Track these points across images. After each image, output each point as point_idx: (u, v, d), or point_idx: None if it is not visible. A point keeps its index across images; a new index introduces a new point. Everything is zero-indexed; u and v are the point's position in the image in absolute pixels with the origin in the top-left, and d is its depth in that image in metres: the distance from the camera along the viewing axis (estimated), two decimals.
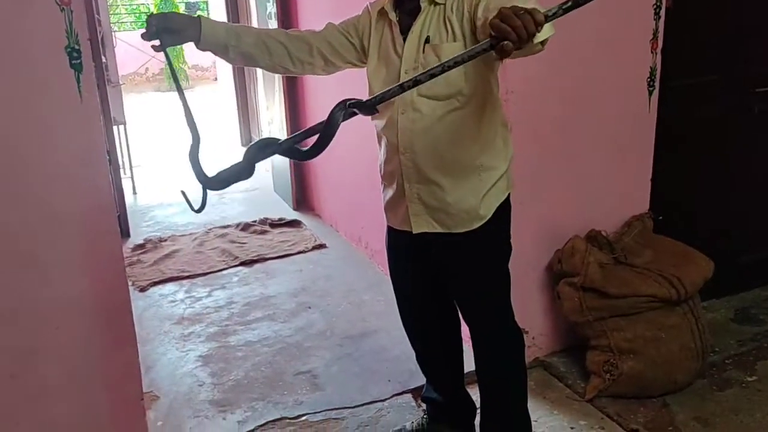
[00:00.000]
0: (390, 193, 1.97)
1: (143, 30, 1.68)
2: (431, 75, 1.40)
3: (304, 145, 1.67)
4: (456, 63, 1.37)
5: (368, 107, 1.56)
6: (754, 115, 3.04)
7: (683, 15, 2.71)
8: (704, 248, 2.68)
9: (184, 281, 3.82)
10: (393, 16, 1.84)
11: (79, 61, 1.85)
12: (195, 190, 1.65)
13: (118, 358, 2.10)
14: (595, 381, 2.55)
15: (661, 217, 2.86)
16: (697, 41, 2.84)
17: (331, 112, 1.56)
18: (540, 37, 1.35)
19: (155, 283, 3.78)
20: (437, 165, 1.83)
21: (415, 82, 1.43)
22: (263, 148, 1.61)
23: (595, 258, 2.52)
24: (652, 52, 2.68)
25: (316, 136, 1.59)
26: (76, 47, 1.84)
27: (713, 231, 3.06)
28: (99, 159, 1.96)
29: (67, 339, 1.99)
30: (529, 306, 2.71)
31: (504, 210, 1.95)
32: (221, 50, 1.84)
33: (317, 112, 4.50)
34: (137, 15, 15.61)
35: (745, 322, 3.04)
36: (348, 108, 1.56)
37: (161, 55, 1.81)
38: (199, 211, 1.60)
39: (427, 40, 1.77)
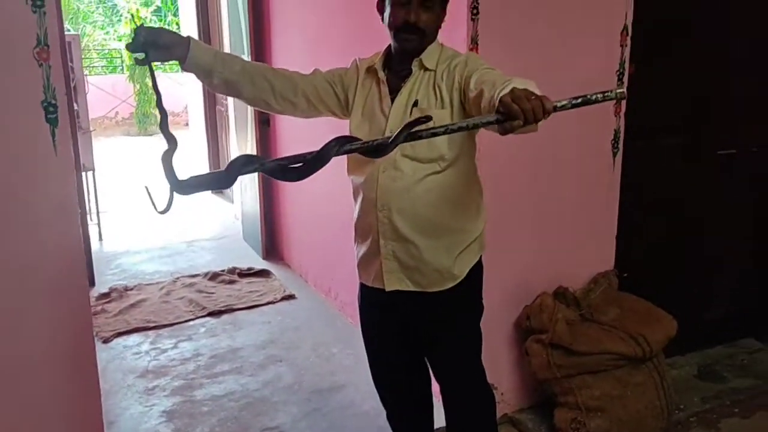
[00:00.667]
0: (363, 249, 1.99)
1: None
2: (433, 134, 1.44)
3: None
4: (460, 128, 1.43)
5: (375, 150, 1.50)
6: (715, 176, 3.16)
7: (645, 81, 2.82)
8: (668, 305, 2.74)
9: (150, 332, 3.75)
10: (382, 75, 1.89)
11: (55, 115, 1.86)
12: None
13: (82, 411, 2.06)
14: None
15: (626, 275, 2.93)
16: (659, 105, 2.95)
17: (325, 145, 1.52)
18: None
19: (120, 334, 3.70)
20: (414, 224, 1.86)
21: (419, 136, 1.44)
22: (247, 164, 1.54)
23: (562, 315, 2.56)
24: (615, 116, 2.78)
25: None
26: (53, 102, 1.85)
27: (676, 289, 3.14)
28: (71, 212, 1.95)
29: (32, 391, 1.95)
30: (497, 362, 2.73)
31: (477, 271, 1.99)
32: (205, 74, 1.80)
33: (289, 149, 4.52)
34: (108, 59, 15.64)
35: (708, 379, 3.09)
36: (344, 147, 1.51)
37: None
38: (163, 212, 1.51)
39: (415, 104, 1.83)
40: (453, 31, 2.38)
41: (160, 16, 17.69)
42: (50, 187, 1.89)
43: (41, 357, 1.95)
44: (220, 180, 1.53)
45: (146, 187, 1.55)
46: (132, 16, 13.93)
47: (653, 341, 2.54)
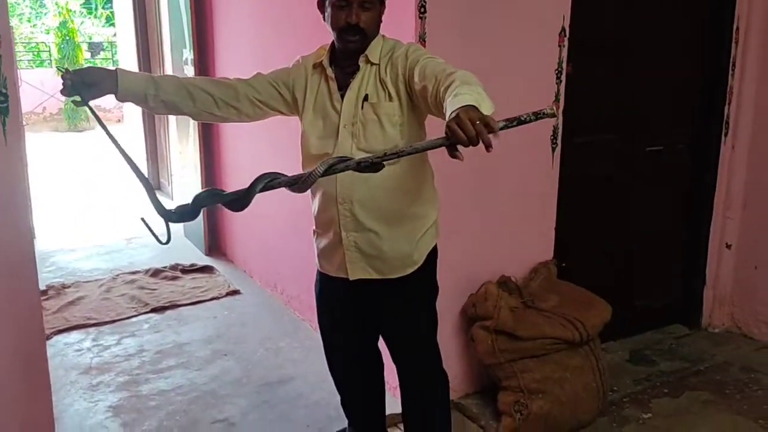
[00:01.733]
0: (325, 241, 2.04)
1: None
2: (385, 158, 1.51)
3: None
4: (415, 150, 1.50)
5: (302, 185, 1.62)
6: (645, 171, 3.34)
7: (582, 80, 2.97)
8: (601, 293, 2.90)
9: (91, 329, 3.68)
10: (330, 72, 1.94)
11: (5, 104, 1.82)
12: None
13: (33, 406, 2.03)
14: (506, 421, 2.67)
15: (564, 264, 3.07)
16: (595, 103, 3.11)
17: (253, 182, 1.66)
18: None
19: (59, 332, 3.62)
20: (374, 214, 1.93)
21: (373, 164, 1.51)
22: (211, 197, 1.71)
23: (506, 302, 2.66)
24: None
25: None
26: (3, 90, 1.82)
27: (609, 278, 3.31)
28: (22, 204, 1.92)
29: None
30: (444, 349, 2.78)
31: (433, 254, 2.09)
32: (141, 100, 1.86)
33: (233, 156, 4.52)
34: (35, 53, 15.09)
35: (639, 363, 3.27)
36: (271, 183, 1.66)
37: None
38: (166, 243, 1.65)
39: (366, 98, 1.89)
40: (401, 29, 2.46)
41: (90, 8, 17.18)
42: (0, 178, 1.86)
43: None
44: (186, 215, 1.67)
45: (143, 219, 1.67)
46: (60, 9, 13.49)
47: (590, 326, 2.68)
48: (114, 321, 3.78)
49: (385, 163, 1.53)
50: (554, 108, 1.43)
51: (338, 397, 2.40)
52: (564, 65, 2.87)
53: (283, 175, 1.66)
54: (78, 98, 1.74)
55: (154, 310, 3.91)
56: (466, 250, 2.79)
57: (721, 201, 3.52)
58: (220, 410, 2.87)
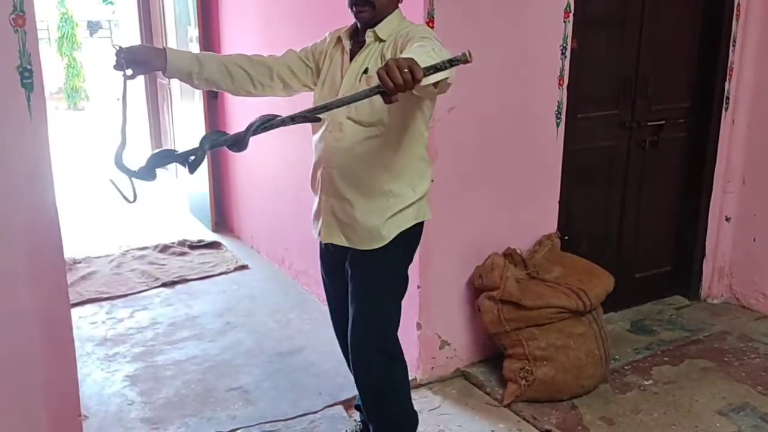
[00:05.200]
0: (314, 205, 2.15)
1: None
2: (316, 111, 1.58)
3: None
4: (342, 103, 1.55)
5: (240, 143, 1.68)
6: (644, 146, 3.41)
7: (586, 56, 3.03)
8: (603, 265, 2.98)
9: (104, 303, 3.77)
10: (347, 44, 2.02)
11: (30, 80, 1.89)
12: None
13: (57, 372, 2.11)
14: (511, 387, 2.76)
15: (567, 237, 3.15)
16: (598, 79, 3.17)
17: (200, 141, 1.68)
18: (428, 81, 1.51)
19: (73, 305, 3.67)
20: (351, 183, 2.00)
21: (306, 118, 1.57)
22: (165, 157, 1.73)
23: (512, 273, 2.74)
24: (559, 88, 2.97)
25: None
26: (28, 67, 1.88)
27: (611, 250, 3.40)
28: (46, 175, 1.99)
29: (9, 352, 1.99)
30: (451, 320, 2.91)
31: (408, 238, 2.07)
32: (186, 77, 1.99)
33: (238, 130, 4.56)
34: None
35: (640, 333, 3.36)
36: (217, 141, 1.69)
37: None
38: (132, 201, 1.69)
39: (365, 71, 1.95)
40: (409, 6, 2.50)
41: None
42: (25, 150, 1.93)
43: (18, 315, 1.99)
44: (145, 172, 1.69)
45: (111, 180, 1.70)
46: None
47: (593, 295, 2.76)
48: (126, 295, 3.86)
49: (320, 116, 1.61)
50: (468, 54, 1.46)
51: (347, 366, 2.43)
52: (569, 41, 2.92)
53: (227, 134, 1.72)
54: (130, 72, 1.87)
55: (164, 285, 3.99)
56: (473, 223, 2.87)
57: (720, 175, 3.59)
58: (234, 379, 2.96)
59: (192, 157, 1.66)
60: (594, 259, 3.02)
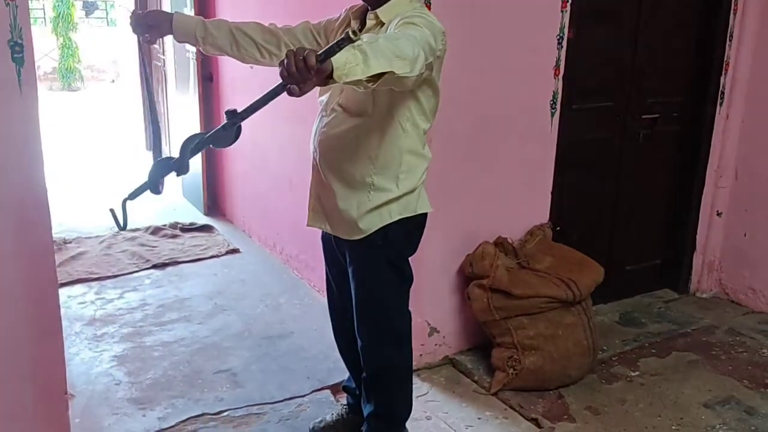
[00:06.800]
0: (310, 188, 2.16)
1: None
2: (238, 117, 1.64)
3: None
4: (257, 105, 1.56)
5: (224, 139, 1.70)
6: (638, 139, 3.41)
7: (583, 46, 3.02)
8: (593, 257, 2.98)
9: (93, 283, 3.75)
10: (354, 24, 1.99)
11: (21, 55, 1.87)
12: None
13: (44, 350, 2.10)
14: (499, 375, 2.77)
15: (558, 228, 3.15)
16: (594, 70, 3.16)
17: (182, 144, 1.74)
18: (362, 74, 1.46)
19: (62, 285, 3.67)
20: (335, 171, 2.00)
21: (226, 129, 1.65)
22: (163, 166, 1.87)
23: (502, 262, 2.74)
24: (554, 78, 2.96)
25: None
26: (19, 41, 1.86)
27: (602, 241, 3.40)
28: (35, 151, 1.97)
29: None
30: (441, 307, 2.91)
31: (393, 234, 2.01)
32: (194, 42, 2.02)
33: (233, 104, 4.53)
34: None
35: (628, 325, 3.37)
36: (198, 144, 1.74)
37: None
38: (123, 228, 1.86)
39: None
40: None
41: None
42: (14, 126, 1.91)
43: (5, 291, 1.98)
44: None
45: (111, 210, 1.85)
46: None
47: (582, 286, 2.77)
48: (116, 276, 3.85)
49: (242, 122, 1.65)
50: (352, 33, 1.38)
51: (338, 352, 2.44)
52: (566, 30, 2.91)
53: (203, 134, 1.75)
54: (148, 35, 1.95)
55: (155, 267, 3.98)
56: (464, 211, 2.87)
57: (713, 169, 3.59)
58: (222, 361, 2.96)
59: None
60: (585, 250, 3.02)
